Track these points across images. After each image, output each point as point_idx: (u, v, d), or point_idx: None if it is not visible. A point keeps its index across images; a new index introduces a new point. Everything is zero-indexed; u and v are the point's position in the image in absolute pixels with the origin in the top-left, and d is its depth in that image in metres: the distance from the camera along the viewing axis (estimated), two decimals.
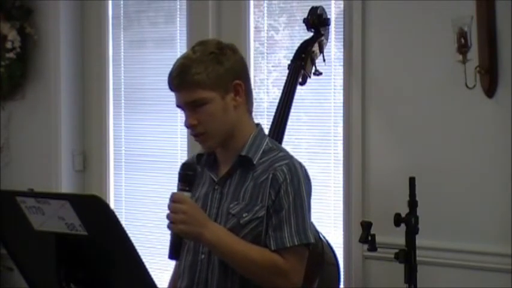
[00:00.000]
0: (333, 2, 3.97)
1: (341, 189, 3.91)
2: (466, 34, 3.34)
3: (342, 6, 3.91)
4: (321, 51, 3.73)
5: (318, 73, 3.71)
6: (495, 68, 3.48)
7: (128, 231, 2.03)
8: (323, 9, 3.73)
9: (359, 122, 3.84)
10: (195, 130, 2.52)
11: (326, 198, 3.97)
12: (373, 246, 3.27)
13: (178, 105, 2.54)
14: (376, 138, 3.82)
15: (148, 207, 4.63)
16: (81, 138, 4.88)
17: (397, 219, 3.17)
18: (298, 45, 3.70)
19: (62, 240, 2.08)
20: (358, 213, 3.82)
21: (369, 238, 3.26)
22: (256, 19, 4.25)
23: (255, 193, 2.49)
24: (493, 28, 3.47)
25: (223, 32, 4.24)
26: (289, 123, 3.52)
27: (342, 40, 3.90)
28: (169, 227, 2.38)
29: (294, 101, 3.55)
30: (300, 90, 3.65)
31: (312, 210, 2.55)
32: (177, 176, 2.46)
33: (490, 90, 3.51)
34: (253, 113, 2.65)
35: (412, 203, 3.20)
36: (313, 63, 3.69)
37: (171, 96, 2.57)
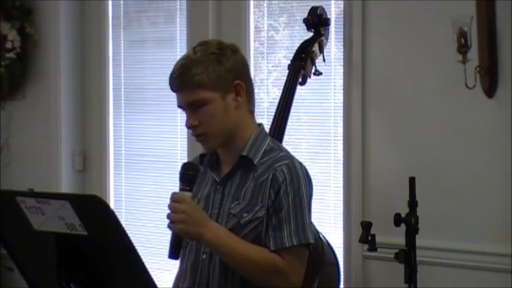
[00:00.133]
0: (333, 2, 3.97)
1: (341, 189, 3.92)
2: (466, 34, 3.35)
3: (342, 6, 3.91)
4: (321, 51, 3.73)
5: (318, 73, 3.71)
6: (495, 68, 3.49)
7: (128, 231, 2.03)
8: (323, 9, 3.73)
9: (359, 122, 3.84)
10: (196, 131, 2.52)
11: (326, 198, 3.97)
12: (373, 246, 3.28)
13: (179, 106, 2.54)
14: (376, 138, 3.82)
15: (148, 207, 4.63)
16: (81, 138, 4.88)
17: (397, 219, 3.17)
18: (298, 45, 3.70)
19: (62, 240, 2.07)
20: (358, 213, 3.82)
21: (369, 238, 3.26)
22: (256, 19, 4.25)
23: (256, 193, 2.49)
24: (493, 28, 3.47)
25: (223, 32, 4.24)
26: (289, 123, 3.52)
27: (342, 40, 3.90)
28: (169, 226, 2.38)
29: (294, 101, 3.55)
30: (300, 90, 3.65)
31: (312, 210, 2.55)
32: (177, 175, 2.46)
33: (490, 90, 3.51)
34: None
35: (412, 203, 3.20)
36: (313, 63, 3.70)
37: (171, 96, 2.57)
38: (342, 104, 3.91)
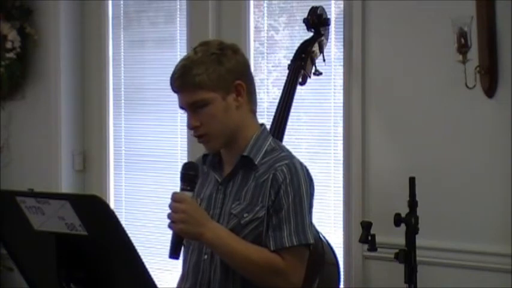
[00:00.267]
0: (333, 2, 3.97)
1: (341, 189, 3.92)
2: (466, 34, 3.35)
3: (342, 6, 3.91)
4: (321, 51, 3.73)
5: (318, 73, 3.71)
6: (495, 68, 3.49)
7: (128, 231, 2.03)
8: (323, 9, 3.73)
9: (359, 122, 3.84)
10: (197, 131, 2.52)
11: (326, 198, 3.97)
12: (373, 246, 3.28)
13: (181, 107, 2.55)
14: (376, 138, 3.82)
15: (149, 207, 4.63)
16: (81, 138, 4.88)
17: (397, 219, 3.18)
18: (298, 45, 3.70)
19: (62, 240, 2.07)
20: (358, 213, 3.82)
21: (369, 238, 3.26)
22: (256, 19, 4.25)
23: (256, 193, 2.49)
24: (493, 28, 3.47)
25: (223, 32, 4.24)
26: (289, 123, 3.52)
27: (342, 40, 3.90)
28: (169, 226, 2.39)
29: (294, 101, 3.55)
30: (300, 90, 3.65)
31: (313, 210, 2.55)
32: (177, 175, 2.46)
33: (490, 90, 3.51)
34: None
35: (412, 203, 3.20)
36: (313, 63, 3.70)
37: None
38: (342, 104, 3.91)
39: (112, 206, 4.55)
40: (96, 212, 2.03)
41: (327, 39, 3.76)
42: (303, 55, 3.64)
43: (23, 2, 4.85)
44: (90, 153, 4.87)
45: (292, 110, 3.55)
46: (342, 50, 3.90)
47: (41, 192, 2.09)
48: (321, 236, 3.28)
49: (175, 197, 2.39)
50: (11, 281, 4.65)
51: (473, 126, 3.59)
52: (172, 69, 2.55)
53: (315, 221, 2.60)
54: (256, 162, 2.52)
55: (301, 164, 2.53)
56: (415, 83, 3.73)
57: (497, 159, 3.53)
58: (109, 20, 4.76)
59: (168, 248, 2.40)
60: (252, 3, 4.24)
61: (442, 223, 3.64)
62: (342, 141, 3.93)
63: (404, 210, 3.19)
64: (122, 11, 4.75)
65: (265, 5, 4.23)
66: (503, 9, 3.46)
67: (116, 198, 4.80)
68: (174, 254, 2.40)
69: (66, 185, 4.82)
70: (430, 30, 3.66)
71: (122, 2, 4.75)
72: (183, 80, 2.49)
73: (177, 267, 2.75)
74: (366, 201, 3.84)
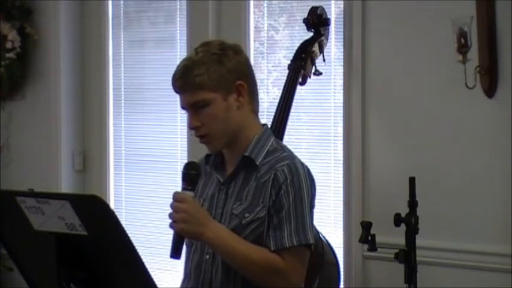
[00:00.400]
0: (333, 2, 3.97)
1: (341, 189, 3.92)
2: (466, 34, 3.35)
3: (342, 6, 3.91)
4: (321, 51, 3.73)
5: (318, 73, 3.71)
6: (495, 68, 3.49)
7: (128, 231, 2.03)
8: (323, 9, 3.73)
9: (359, 122, 3.84)
10: (199, 132, 2.52)
11: (326, 198, 3.97)
12: (373, 246, 3.28)
13: (182, 107, 2.55)
14: (376, 138, 3.82)
15: (149, 207, 4.63)
16: (81, 138, 4.88)
17: (397, 219, 3.17)
18: (298, 45, 3.70)
19: (62, 240, 2.07)
20: (358, 213, 3.82)
21: (369, 238, 3.26)
22: (256, 19, 4.25)
23: (257, 193, 2.49)
24: (493, 28, 3.47)
25: (223, 32, 4.25)
26: (289, 123, 3.52)
27: (342, 40, 3.90)
28: (170, 225, 2.39)
29: (294, 101, 3.55)
30: (300, 90, 3.65)
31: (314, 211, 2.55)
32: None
33: (490, 90, 3.51)
34: None
35: (412, 203, 3.20)
36: (313, 63, 3.70)
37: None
38: (342, 104, 3.91)
39: (112, 206, 4.55)
40: (96, 212, 2.03)
41: (327, 39, 3.76)
42: (303, 55, 3.64)
43: (23, 2, 4.85)
44: (90, 153, 4.87)
45: (292, 110, 3.55)
46: (342, 50, 3.91)
47: (41, 192, 2.09)
48: (321, 236, 3.28)
49: (176, 197, 2.40)
50: (11, 281, 4.65)
51: (473, 126, 3.59)
52: (172, 69, 2.55)
53: (315, 221, 2.60)
54: (257, 163, 2.52)
55: (302, 164, 2.53)
56: (415, 83, 3.73)
57: (497, 159, 3.53)
58: (109, 20, 4.76)
59: (170, 247, 2.40)
60: (252, 3, 4.24)
61: (442, 223, 3.64)
62: (342, 141, 3.93)
63: (404, 210, 3.19)
64: (122, 11, 4.75)
65: (265, 5, 4.23)
66: (503, 9, 3.46)
67: (116, 198, 4.80)
68: (175, 254, 2.40)
69: (66, 185, 4.82)
70: (430, 30, 3.66)
71: (122, 2, 4.75)
72: (184, 81, 2.49)
73: (176, 267, 2.76)
74: (366, 201, 3.84)
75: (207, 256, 2.52)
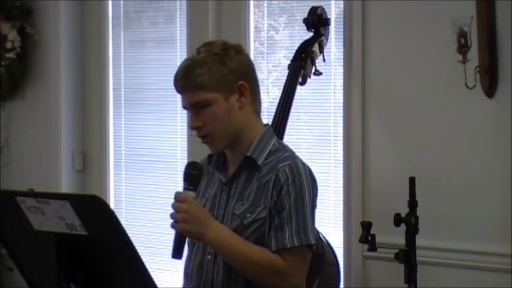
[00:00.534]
0: (333, 2, 3.97)
1: (341, 189, 3.92)
2: (466, 34, 3.35)
3: (342, 6, 3.91)
4: (321, 51, 3.73)
5: (318, 73, 3.71)
6: (495, 68, 3.49)
7: (128, 231, 2.03)
8: (323, 9, 3.73)
9: (359, 122, 3.84)
10: (200, 132, 2.52)
11: (326, 198, 3.96)
12: (373, 246, 3.27)
13: (184, 107, 2.55)
14: (376, 138, 3.82)
15: (149, 207, 4.63)
16: (81, 138, 4.88)
17: (397, 219, 3.17)
18: (298, 45, 3.70)
19: (62, 240, 2.07)
20: (358, 213, 3.82)
21: (369, 238, 3.26)
22: (256, 19, 4.25)
23: (259, 194, 2.49)
24: (493, 28, 3.47)
25: (223, 32, 4.24)
26: (289, 123, 3.52)
27: (342, 40, 3.90)
28: (172, 226, 2.39)
29: (294, 101, 3.55)
30: (300, 90, 3.65)
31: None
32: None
33: (490, 90, 3.51)
34: None
35: (412, 203, 3.20)
36: (313, 63, 3.70)
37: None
38: (342, 104, 3.91)
39: (112, 206, 4.55)
40: (96, 212, 2.03)
41: (327, 39, 3.76)
42: (303, 55, 3.64)
43: (23, 2, 4.85)
44: (90, 153, 4.87)
45: (292, 110, 3.55)
46: (342, 50, 3.90)
47: (41, 192, 2.09)
48: (321, 236, 3.28)
49: (178, 197, 2.40)
50: (11, 281, 4.65)
51: (473, 126, 3.59)
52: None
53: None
54: (259, 163, 2.52)
55: (304, 164, 2.53)
56: (415, 83, 3.73)
57: (497, 159, 3.53)
58: (109, 20, 4.76)
59: (171, 248, 2.40)
60: (252, 3, 4.24)
61: (442, 223, 3.64)
62: (342, 141, 3.93)
63: (404, 210, 3.19)
64: (122, 11, 4.75)
65: (265, 5, 4.23)
66: (503, 9, 3.46)
67: (116, 198, 4.80)
68: (176, 254, 2.40)
69: (66, 185, 4.82)
70: (430, 30, 3.66)
71: (122, 2, 4.75)
72: (186, 81, 2.49)
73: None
74: (366, 201, 3.84)
75: (209, 256, 2.52)
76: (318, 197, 2.59)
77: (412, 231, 3.18)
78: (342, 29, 3.89)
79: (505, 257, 3.47)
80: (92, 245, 2.07)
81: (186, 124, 4.32)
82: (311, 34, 3.72)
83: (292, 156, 2.55)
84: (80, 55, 4.86)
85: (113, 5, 4.75)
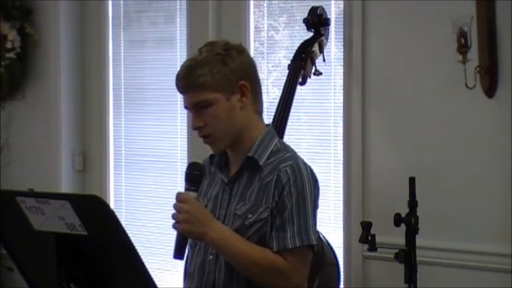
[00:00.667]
0: (333, 2, 3.97)
1: (341, 189, 3.92)
2: (466, 34, 3.35)
3: (342, 6, 3.91)
4: (321, 51, 3.73)
5: (318, 73, 3.71)
6: (495, 68, 3.49)
7: (128, 231, 2.03)
8: (323, 9, 3.73)
9: (359, 122, 3.84)
10: (202, 132, 2.52)
11: (326, 198, 3.96)
12: (373, 246, 3.27)
13: (185, 107, 2.55)
14: (376, 138, 3.82)
15: (148, 207, 4.63)
16: (81, 138, 4.88)
17: (397, 219, 3.17)
18: (298, 45, 3.70)
19: (62, 240, 2.07)
20: (358, 213, 3.82)
21: (369, 238, 3.26)
22: (256, 19, 4.25)
23: (261, 194, 2.49)
24: (493, 28, 3.47)
25: (223, 32, 4.24)
26: (289, 123, 3.52)
27: (342, 40, 3.90)
28: (173, 226, 2.39)
29: (294, 101, 3.55)
30: (300, 90, 3.65)
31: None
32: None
33: (490, 90, 3.51)
34: None
35: (412, 203, 3.20)
36: (313, 63, 3.70)
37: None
38: (342, 104, 3.91)
39: (112, 206, 4.55)
40: (96, 212, 2.03)
41: (327, 39, 3.76)
42: (303, 55, 3.64)
43: (23, 2, 4.85)
44: (90, 153, 4.87)
45: (292, 110, 3.55)
46: (342, 50, 3.90)
47: (41, 192, 2.09)
48: (321, 236, 3.28)
49: (179, 197, 2.40)
50: (11, 281, 4.65)
51: (473, 126, 3.59)
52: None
53: None
54: (261, 163, 2.52)
55: (305, 164, 2.53)
56: (415, 83, 3.73)
57: (497, 159, 3.53)
58: (109, 20, 4.76)
59: (173, 248, 2.40)
60: (252, 3, 4.24)
61: (442, 223, 3.64)
62: (342, 141, 3.93)
63: (404, 210, 3.19)
64: (122, 11, 4.75)
65: (265, 5, 4.23)
66: (503, 9, 3.46)
67: (116, 198, 4.80)
68: (178, 255, 2.41)
69: (66, 185, 4.82)
70: (430, 30, 3.66)
71: (122, 2, 4.75)
72: (187, 81, 2.49)
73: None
74: (366, 201, 3.84)
75: (211, 257, 2.52)
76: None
77: (412, 231, 3.18)
78: (342, 29, 3.89)
79: (505, 257, 3.47)
80: (92, 245, 2.08)
81: (186, 124, 4.33)
82: (311, 34, 3.72)
83: (294, 156, 2.55)
84: (80, 55, 4.86)
85: (113, 5, 4.75)
